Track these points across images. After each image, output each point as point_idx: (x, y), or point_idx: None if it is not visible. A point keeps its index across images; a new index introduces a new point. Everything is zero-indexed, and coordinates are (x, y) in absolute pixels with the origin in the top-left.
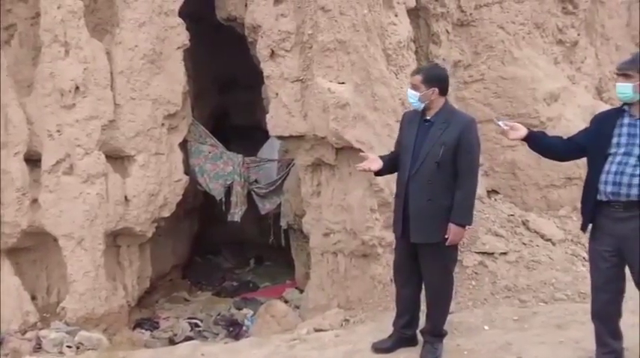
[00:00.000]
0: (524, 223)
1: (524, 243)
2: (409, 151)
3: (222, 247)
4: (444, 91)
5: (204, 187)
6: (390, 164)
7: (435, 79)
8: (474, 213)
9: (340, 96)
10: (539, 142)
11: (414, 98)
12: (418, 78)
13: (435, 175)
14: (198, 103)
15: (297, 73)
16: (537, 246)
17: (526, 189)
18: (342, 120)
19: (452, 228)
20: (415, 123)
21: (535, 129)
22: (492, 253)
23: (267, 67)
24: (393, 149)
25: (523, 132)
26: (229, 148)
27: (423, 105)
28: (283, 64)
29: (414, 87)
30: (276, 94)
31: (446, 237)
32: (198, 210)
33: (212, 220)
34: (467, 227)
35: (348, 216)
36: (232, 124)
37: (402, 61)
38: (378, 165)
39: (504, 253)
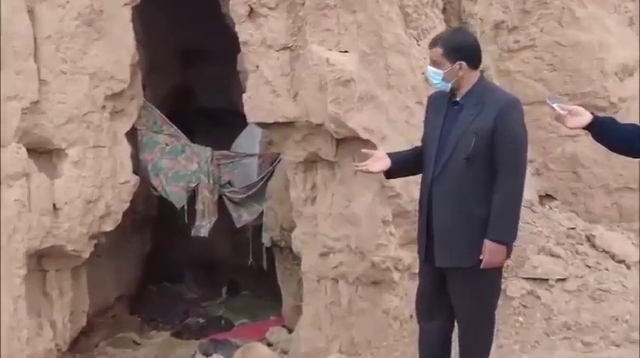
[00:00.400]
0: (589, 239)
1: (588, 266)
2: (433, 145)
3: (185, 271)
4: (474, 64)
5: (160, 191)
6: (408, 163)
7: (461, 48)
8: (520, 225)
9: (342, 69)
10: (607, 132)
11: (436, 77)
12: (438, 51)
13: (466, 175)
14: (152, 79)
15: (285, 38)
16: (606, 269)
17: (591, 193)
18: (345, 102)
19: (487, 245)
20: (442, 107)
21: (601, 115)
22: (546, 279)
23: (244, 31)
24: (416, 143)
25: (586, 118)
26: (194, 139)
27: (449, 86)
28: (266, 27)
29: (435, 63)
30: (257, 67)
31: (480, 258)
32: (153, 222)
33: (171, 235)
34: (513, 244)
35: (353, 229)
36: (198, 107)
37: (425, 22)
38: (383, 164)
39: (562, 279)
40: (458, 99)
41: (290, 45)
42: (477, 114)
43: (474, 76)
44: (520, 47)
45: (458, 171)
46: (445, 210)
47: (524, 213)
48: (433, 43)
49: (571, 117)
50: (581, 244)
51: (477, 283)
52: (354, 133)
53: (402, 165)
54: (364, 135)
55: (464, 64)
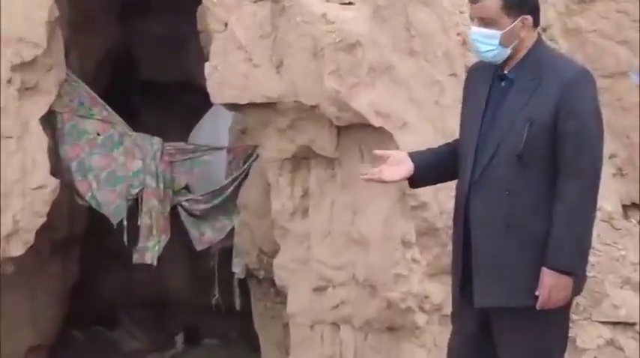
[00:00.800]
0: None
1: None
2: (472, 138)
3: (124, 311)
4: (538, 19)
5: (88, 200)
6: (439, 166)
7: (522, 1)
8: (594, 247)
9: (345, 28)
10: None
11: (489, 42)
12: (493, 3)
13: (517, 180)
14: (78, 42)
15: None
16: None
17: None
18: (349, 75)
19: (546, 276)
20: (484, 86)
21: None
22: (632, 323)
23: None
24: (451, 133)
25: None
26: (137, 126)
27: (507, 54)
28: None
29: (488, 21)
30: (225, 26)
31: (536, 293)
32: (80, 242)
33: (104, 262)
34: (584, 275)
35: (360, 254)
36: (143, 80)
37: None
38: (403, 170)
39: None
40: (506, 71)
41: None
42: (531, 94)
43: (530, 39)
44: None
45: (506, 174)
46: (489, 230)
47: (601, 231)
48: None
49: None
50: None
51: (535, 330)
52: (361, 118)
53: (431, 169)
54: (376, 122)
55: (530, 19)
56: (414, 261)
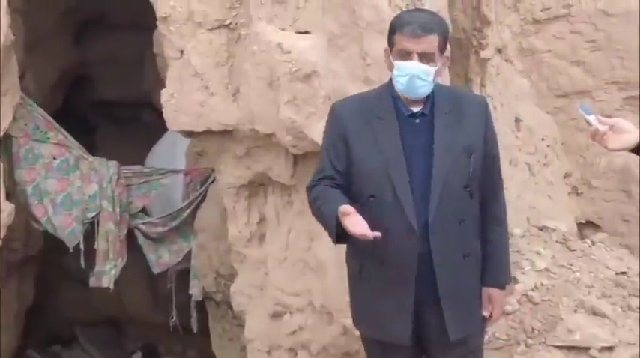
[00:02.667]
0: None
1: None
2: (400, 180)
3: (82, 330)
4: None
5: (44, 224)
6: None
7: (447, 38)
8: (549, 270)
9: (301, 57)
10: None
11: (426, 79)
12: (435, 39)
13: (466, 209)
14: (34, 62)
15: (221, 12)
16: None
17: None
18: (305, 104)
19: (496, 294)
20: (385, 123)
21: None
22: (587, 348)
23: (164, 1)
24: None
25: (633, 136)
26: (94, 149)
27: (431, 89)
28: None
29: (427, 57)
30: (181, 53)
31: (485, 314)
32: (36, 262)
33: (61, 283)
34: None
35: (317, 280)
36: (98, 99)
37: None
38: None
39: (609, 348)
40: (416, 109)
41: (228, 22)
42: (457, 126)
43: None
44: (550, 17)
45: (458, 206)
46: (450, 263)
47: (556, 252)
48: (426, 29)
49: (613, 136)
50: (635, 296)
51: (477, 351)
52: (317, 147)
53: None
54: None
55: (449, 57)
56: None
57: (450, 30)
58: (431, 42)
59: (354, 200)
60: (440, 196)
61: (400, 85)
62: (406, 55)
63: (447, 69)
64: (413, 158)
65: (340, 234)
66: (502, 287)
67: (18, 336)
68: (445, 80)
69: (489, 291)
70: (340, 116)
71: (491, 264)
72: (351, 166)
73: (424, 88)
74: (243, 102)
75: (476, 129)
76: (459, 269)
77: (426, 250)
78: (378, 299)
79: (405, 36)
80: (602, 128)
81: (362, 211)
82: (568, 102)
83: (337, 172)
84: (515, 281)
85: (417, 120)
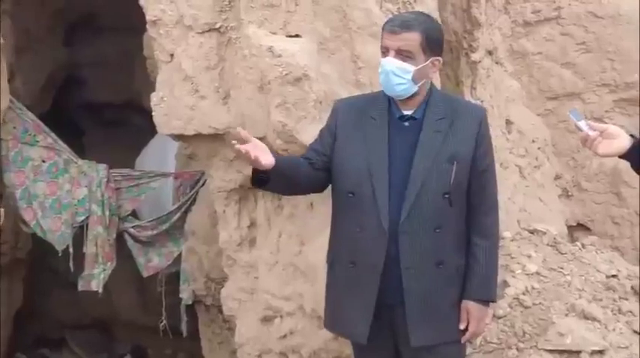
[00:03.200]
0: (637, 291)
1: (636, 332)
2: (379, 179)
3: (70, 333)
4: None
5: (32, 228)
6: (291, 171)
7: (440, 41)
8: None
9: (291, 61)
10: None
11: (402, 76)
12: (414, 37)
13: (445, 217)
14: (23, 64)
15: (211, 16)
16: None
17: None
18: (296, 107)
19: (473, 308)
20: (376, 123)
21: None
22: (578, 352)
23: (153, 5)
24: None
25: (623, 141)
26: (83, 151)
27: (415, 90)
28: None
29: (404, 54)
30: (171, 57)
31: (462, 327)
32: (24, 266)
33: (51, 283)
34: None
35: (307, 284)
36: (88, 102)
37: None
38: (267, 159)
39: (600, 351)
40: (408, 112)
41: (218, 26)
42: (446, 133)
43: (429, 82)
44: (541, 19)
45: (434, 212)
46: (419, 268)
47: (547, 255)
48: (406, 26)
49: (604, 141)
50: (626, 299)
51: None
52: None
53: (285, 173)
54: None
55: (440, 61)
56: None
57: None
58: (408, 39)
59: (335, 196)
60: (415, 200)
61: (380, 81)
62: (385, 52)
63: (436, 73)
64: (396, 160)
65: (259, 179)
66: (482, 301)
67: (6, 339)
68: (436, 84)
69: (467, 304)
70: (336, 110)
71: (472, 278)
72: (334, 161)
73: (402, 86)
74: (233, 105)
75: (465, 138)
76: (429, 276)
77: (395, 252)
78: (344, 298)
79: (385, 32)
80: (592, 134)
81: (340, 208)
82: (558, 104)
83: (314, 150)
84: (506, 284)
85: (406, 123)
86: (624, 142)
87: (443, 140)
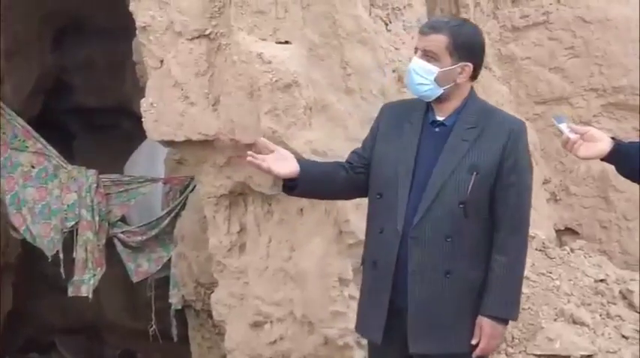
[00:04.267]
0: (626, 296)
1: (625, 337)
2: (403, 181)
3: (60, 337)
4: (477, 73)
5: (22, 233)
6: (324, 179)
7: (473, 46)
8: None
9: (281, 67)
10: (636, 163)
11: (425, 76)
12: (441, 39)
13: (459, 227)
14: (11, 70)
15: (201, 22)
16: None
17: (629, 228)
18: (286, 114)
19: (486, 325)
20: (412, 127)
21: (627, 140)
22: (568, 356)
23: (143, 11)
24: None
25: (604, 144)
26: (72, 156)
27: (439, 93)
28: (174, 6)
29: (431, 55)
30: (161, 63)
31: (473, 342)
32: (13, 271)
33: (40, 287)
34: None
35: (297, 290)
36: (78, 107)
37: None
38: (289, 167)
39: (589, 356)
40: (441, 117)
41: (208, 32)
42: (473, 142)
43: (466, 89)
44: (529, 24)
45: (448, 221)
46: (427, 276)
47: (536, 260)
48: (433, 28)
49: (584, 144)
50: (615, 304)
51: None
52: (299, 157)
53: (316, 178)
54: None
55: (470, 67)
56: (351, 297)
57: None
58: (434, 40)
59: (369, 198)
60: (429, 206)
61: (405, 81)
62: (415, 52)
63: (467, 82)
64: (422, 165)
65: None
66: (496, 319)
67: None
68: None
69: (481, 320)
70: (381, 114)
71: (487, 293)
72: (371, 163)
73: (425, 87)
74: (223, 112)
75: (491, 150)
76: (436, 285)
77: (405, 256)
78: (366, 298)
79: (418, 33)
80: (573, 136)
81: (370, 209)
82: (547, 108)
83: (356, 154)
84: None
85: (437, 129)
86: (605, 145)
87: (468, 149)
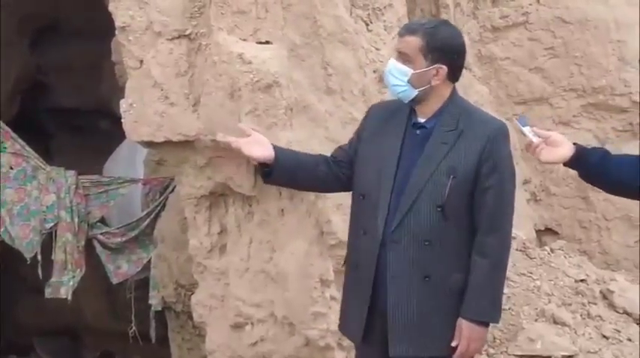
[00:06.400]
0: (606, 296)
1: (605, 337)
2: (384, 184)
3: (38, 341)
4: (456, 75)
5: (1, 235)
6: (302, 168)
7: (448, 48)
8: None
9: (262, 68)
10: (597, 168)
11: (399, 77)
12: (415, 41)
13: (438, 230)
14: None
15: (181, 22)
16: (629, 340)
17: (608, 227)
18: (267, 114)
19: (466, 328)
20: (396, 129)
21: (589, 145)
22: (549, 357)
23: (123, 11)
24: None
25: (565, 150)
26: (51, 157)
27: (414, 95)
28: (153, 5)
29: (405, 57)
30: (140, 63)
31: (453, 345)
32: None
33: (18, 292)
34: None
35: (278, 291)
36: (56, 108)
37: None
38: (264, 151)
39: (570, 356)
40: (422, 119)
41: (188, 32)
42: (452, 145)
43: (446, 91)
44: (508, 24)
45: (426, 224)
46: (406, 279)
47: (516, 260)
48: (409, 30)
49: (547, 148)
50: (595, 304)
51: None
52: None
53: (293, 167)
54: None
55: (444, 69)
56: (333, 298)
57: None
58: (409, 42)
59: (352, 197)
60: (408, 210)
61: (384, 79)
62: (395, 52)
63: (445, 84)
64: (403, 168)
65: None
66: (474, 321)
67: None
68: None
69: (460, 322)
70: (368, 113)
71: (467, 296)
72: (355, 163)
73: (400, 88)
74: (203, 112)
75: (469, 153)
76: (414, 288)
77: (385, 260)
78: (347, 298)
79: (397, 35)
80: (536, 140)
81: (353, 209)
82: (527, 108)
83: (342, 149)
84: None
85: (418, 132)
86: (566, 151)
87: (447, 152)
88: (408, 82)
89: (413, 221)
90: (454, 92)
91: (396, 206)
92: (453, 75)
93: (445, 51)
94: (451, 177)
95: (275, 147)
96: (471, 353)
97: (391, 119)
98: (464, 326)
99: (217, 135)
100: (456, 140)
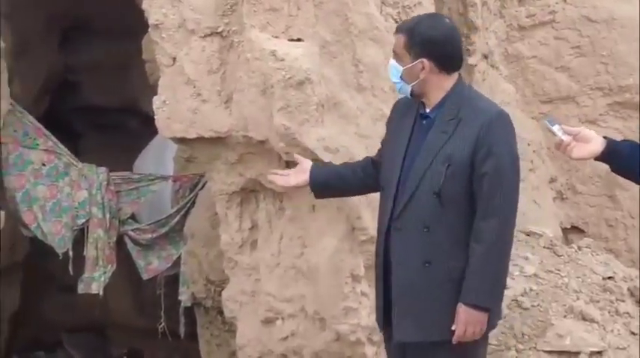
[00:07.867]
0: (633, 293)
1: (633, 333)
2: (394, 174)
3: (66, 337)
4: (444, 65)
5: (33, 231)
6: (340, 180)
7: (426, 41)
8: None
9: (294, 65)
10: (630, 161)
11: (395, 74)
12: (400, 39)
13: (437, 217)
14: (19, 68)
15: (213, 19)
16: None
17: (635, 226)
18: (299, 111)
19: (462, 312)
20: (408, 122)
21: (621, 139)
22: (577, 353)
23: (156, 9)
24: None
25: (597, 145)
26: (78, 156)
27: (409, 89)
28: (186, 3)
29: (395, 55)
30: (173, 60)
31: (452, 328)
32: (21, 269)
33: (47, 288)
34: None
35: (309, 287)
36: (84, 106)
37: None
38: (296, 179)
39: (598, 352)
40: (427, 110)
41: (220, 30)
42: (451, 134)
43: (445, 82)
44: (535, 23)
45: (425, 212)
46: (407, 266)
47: (544, 258)
48: (397, 29)
49: (577, 145)
50: (623, 301)
51: None
52: (311, 154)
53: (331, 182)
54: (325, 157)
55: (426, 62)
56: (363, 294)
57: None
58: (397, 40)
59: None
60: (409, 198)
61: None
62: None
63: (438, 76)
64: (409, 158)
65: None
66: (470, 305)
67: (3, 342)
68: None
69: (458, 307)
70: (391, 110)
71: (465, 281)
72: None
73: (398, 85)
74: (235, 109)
75: (465, 141)
76: (416, 274)
77: (392, 247)
78: (374, 288)
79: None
80: (565, 138)
81: (379, 202)
82: (553, 107)
83: (378, 149)
84: (505, 286)
85: (424, 122)
86: (597, 145)
87: (446, 140)
88: (401, 78)
89: (414, 208)
90: (459, 81)
91: (401, 194)
92: (442, 65)
93: (425, 45)
94: (447, 165)
95: (312, 168)
96: (469, 337)
97: (407, 113)
98: (461, 310)
99: (269, 172)
100: (455, 128)
